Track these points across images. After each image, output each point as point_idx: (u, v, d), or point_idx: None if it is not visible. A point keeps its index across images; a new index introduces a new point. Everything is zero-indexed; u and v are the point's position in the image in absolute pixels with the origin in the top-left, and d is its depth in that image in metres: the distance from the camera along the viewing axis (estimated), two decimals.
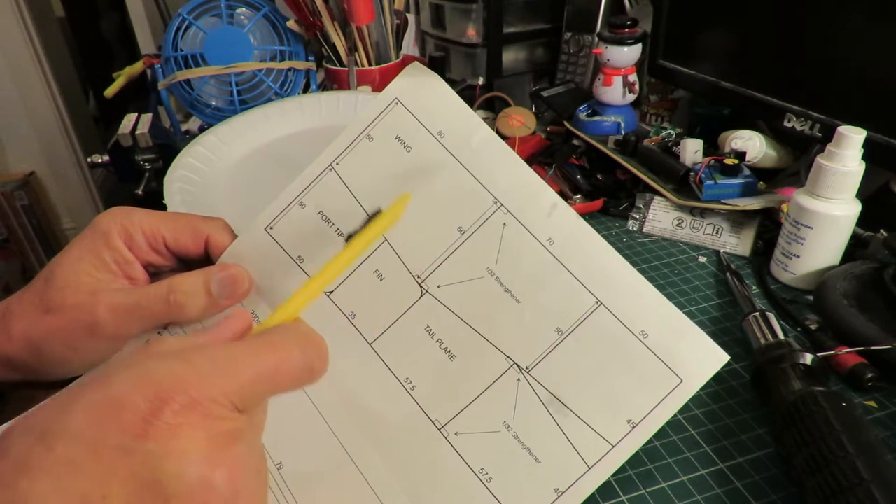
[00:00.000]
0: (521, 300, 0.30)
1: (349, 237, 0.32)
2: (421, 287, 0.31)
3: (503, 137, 0.45)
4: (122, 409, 0.19)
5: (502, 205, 0.31)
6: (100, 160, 0.79)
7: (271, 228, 0.33)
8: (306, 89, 0.87)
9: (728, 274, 0.54)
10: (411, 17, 0.98)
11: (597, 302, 0.29)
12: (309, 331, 0.25)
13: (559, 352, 0.29)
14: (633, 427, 0.28)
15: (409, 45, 1.01)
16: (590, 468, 0.28)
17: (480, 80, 0.91)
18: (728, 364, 0.28)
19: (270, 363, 0.23)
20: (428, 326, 0.31)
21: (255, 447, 0.23)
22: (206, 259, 0.33)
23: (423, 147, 0.32)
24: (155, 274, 0.33)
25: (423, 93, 0.33)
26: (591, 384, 0.29)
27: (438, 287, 0.31)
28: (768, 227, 0.59)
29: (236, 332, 0.26)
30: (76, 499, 0.18)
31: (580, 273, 0.29)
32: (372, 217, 0.31)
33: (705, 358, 0.28)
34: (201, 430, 0.20)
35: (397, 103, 0.33)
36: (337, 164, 0.33)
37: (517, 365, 0.30)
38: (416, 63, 0.34)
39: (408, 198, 0.32)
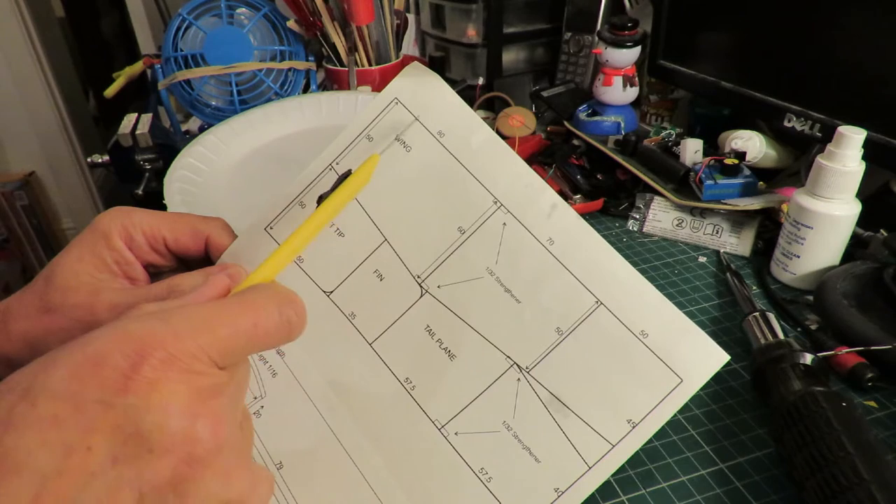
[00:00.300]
0: (521, 300, 0.30)
1: (320, 199, 0.31)
2: (421, 287, 0.31)
3: (503, 137, 0.45)
4: (102, 366, 0.19)
5: (502, 205, 0.31)
6: (100, 160, 0.79)
7: (271, 228, 0.33)
8: (306, 89, 0.87)
9: (728, 274, 0.54)
10: (411, 17, 0.98)
11: (597, 302, 0.29)
12: (285, 289, 0.26)
13: (559, 352, 0.29)
14: (634, 427, 0.28)
15: (409, 45, 1.01)
16: (590, 468, 0.28)
17: (480, 80, 0.91)
18: (728, 364, 0.28)
19: (248, 320, 0.23)
20: (428, 326, 0.31)
21: (238, 403, 0.23)
22: (206, 259, 0.33)
23: (423, 147, 0.32)
24: (155, 274, 0.33)
25: (424, 92, 0.33)
26: (591, 384, 0.29)
27: (438, 287, 0.31)
28: (768, 227, 0.59)
29: (215, 295, 0.26)
30: (61, 451, 0.18)
31: (580, 273, 0.29)
32: (342, 178, 0.31)
33: (705, 358, 0.28)
34: (182, 384, 0.20)
35: (397, 103, 0.33)
36: (337, 164, 0.33)
37: (517, 365, 0.30)
38: (416, 63, 0.34)
39: (376, 158, 0.31)
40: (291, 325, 0.25)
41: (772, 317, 0.44)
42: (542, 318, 0.30)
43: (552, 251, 0.30)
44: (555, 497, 0.28)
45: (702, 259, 0.58)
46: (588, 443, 0.28)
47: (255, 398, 0.32)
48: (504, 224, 0.31)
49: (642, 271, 0.55)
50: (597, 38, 0.79)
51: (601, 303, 0.29)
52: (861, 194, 0.49)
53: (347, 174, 0.31)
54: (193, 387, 0.20)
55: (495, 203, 0.31)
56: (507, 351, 0.30)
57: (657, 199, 0.62)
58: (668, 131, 0.69)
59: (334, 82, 0.85)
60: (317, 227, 0.29)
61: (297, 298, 0.25)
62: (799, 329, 0.48)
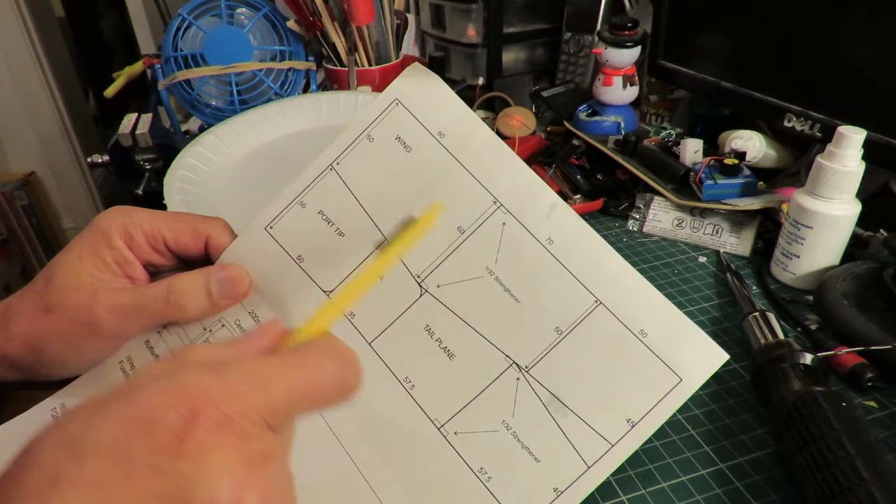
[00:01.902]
0: (520, 299, 0.30)
1: (380, 245, 0.31)
2: (420, 287, 0.31)
3: (503, 137, 0.45)
4: (154, 425, 0.19)
5: (502, 205, 0.31)
6: (100, 160, 0.79)
7: (271, 228, 0.33)
8: (306, 89, 0.87)
9: (728, 274, 0.54)
10: (411, 17, 0.98)
11: (596, 301, 0.29)
12: (342, 346, 0.25)
13: (558, 351, 0.29)
14: (633, 426, 0.28)
15: (409, 45, 1.02)
16: (589, 468, 0.28)
17: (480, 80, 0.91)
18: (728, 364, 0.28)
19: (304, 379, 0.22)
20: (427, 326, 0.31)
21: (286, 468, 0.22)
22: (206, 259, 0.33)
23: (424, 147, 0.32)
24: (155, 273, 0.33)
25: (424, 93, 0.33)
26: (591, 383, 0.29)
27: (438, 286, 0.31)
28: (768, 227, 0.59)
29: (269, 344, 0.25)
30: None
31: (579, 272, 0.30)
32: (405, 225, 0.31)
33: (705, 357, 0.28)
34: (234, 450, 0.19)
35: (397, 104, 0.33)
36: (337, 164, 0.33)
37: (516, 364, 0.30)
38: (417, 63, 0.34)
39: (441, 206, 0.31)
40: (348, 385, 0.24)
41: (772, 317, 0.44)
42: (542, 317, 0.30)
43: (551, 251, 0.30)
44: (554, 497, 0.28)
45: (702, 259, 0.58)
46: (587, 442, 0.28)
47: None
48: (503, 224, 0.31)
49: (642, 271, 0.55)
50: (597, 38, 0.79)
51: (600, 302, 0.29)
52: (861, 194, 0.49)
53: (411, 221, 0.31)
54: (245, 454, 0.20)
55: (495, 203, 0.31)
56: (507, 350, 0.30)
57: (657, 199, 0.62)
58: (668, 131, 0.69)
59: (334, 82, 0.85)
60: (377, 275, 0.29)
61: (354, 356, 0.25)
62: (799, 329, 0.48)
